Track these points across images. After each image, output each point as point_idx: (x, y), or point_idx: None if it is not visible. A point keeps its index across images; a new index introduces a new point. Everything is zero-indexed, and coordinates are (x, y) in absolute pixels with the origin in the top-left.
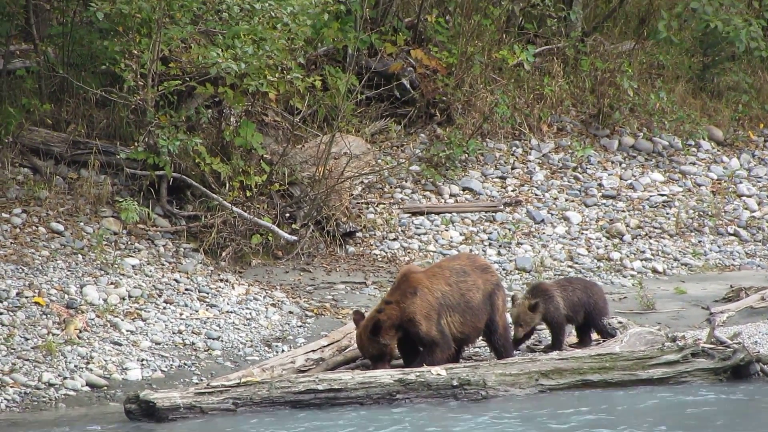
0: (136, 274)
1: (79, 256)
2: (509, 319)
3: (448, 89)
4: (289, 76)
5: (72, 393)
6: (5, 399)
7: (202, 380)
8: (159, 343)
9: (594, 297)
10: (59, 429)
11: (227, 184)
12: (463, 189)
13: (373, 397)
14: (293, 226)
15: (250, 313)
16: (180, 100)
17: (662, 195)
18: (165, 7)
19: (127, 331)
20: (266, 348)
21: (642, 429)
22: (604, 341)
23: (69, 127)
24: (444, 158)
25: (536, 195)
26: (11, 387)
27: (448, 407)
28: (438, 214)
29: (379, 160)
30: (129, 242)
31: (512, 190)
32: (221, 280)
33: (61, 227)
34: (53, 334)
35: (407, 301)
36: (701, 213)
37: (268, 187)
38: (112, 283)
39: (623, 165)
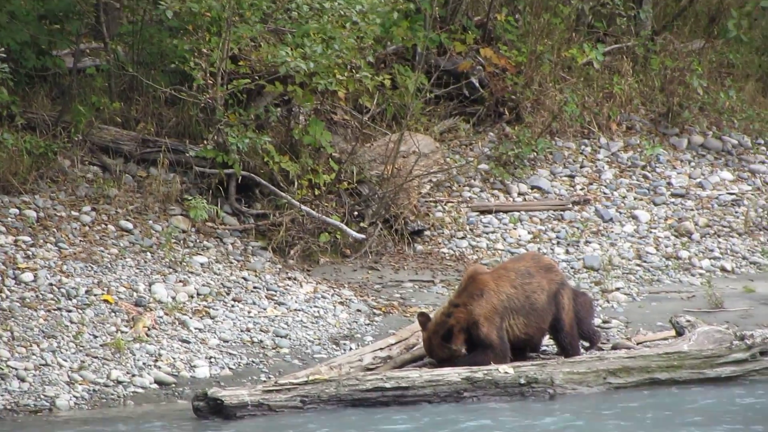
0: (204, 272)
1: (148, 254)
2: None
3: (517, 88)
4: (358, 75)
5: (140, 390)
6: (74, 396)
7: (269, 378)
8: (227, 341)
9: (577, 306)
10: (128, 426)
11: (296, 183)
12: (532, 187)
13: (441, 395)
14: (361, 224)
15: (318, 311)
16: (249, 99)
17: (731, 193)
18: (234, 5)
19: (195, 328)
20: (334, 346)
21: (710, 428)
22: (590, 347)
23: (138, 126)
24: (512, 157)
25: (605, 193)
26: (80, 384)
27: (516, 406)
28: (506, 212)
29: (448, 159)
30: (197, 240)
31: (581, 189)
32: (289, 278)
33: (130, 225)
34: (122, 332)
35: (474, 303)
36: None
37: (337, 186)
38: (180, 281)
39: (692, 163)
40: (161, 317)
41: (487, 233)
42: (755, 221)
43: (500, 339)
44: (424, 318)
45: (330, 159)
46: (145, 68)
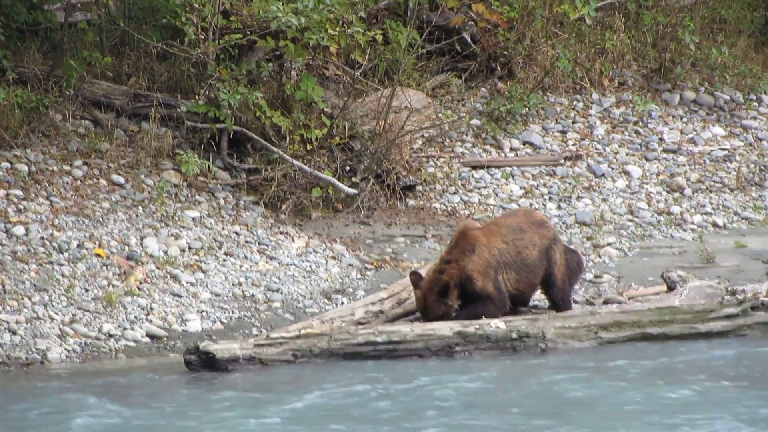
0: (196, 227)
1: (140, 208)
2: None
3: (509, 43)
4: (349, 30)
5: (132, 344)
6: (66, 349)
7: (261, 332)
8: (219, 295)
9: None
10: (119, 379)
11: (287, 138)
12: (524, 143)
13: (432, 349)
14: (353, 179)
15: (310, 266)
16: (241, 54)
17: (723, 149)
18: None
19: (187, 282)
20: (326, 300)
21: (702, 382)
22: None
23: (130, 80)
24: (504, 112)
25: (597, 149)
26: (72, 337)
27: (508, 360)
28: (498, 168)
29: (440, 114)
30: (189, 195)
31: (573, 145)
32: (281, 233)
33: (121, 180)
34: (113, 286)
35: (465, 258)
36: (762, 167)
37: (329, 141)
38: (172, 235)
39: (684, 119)
40: (153, 271)
41: (479, 188)
42: (747, 177)
43: (497, 290)
44: (416, 277)
45: (322, 114)
46: (137, 23)
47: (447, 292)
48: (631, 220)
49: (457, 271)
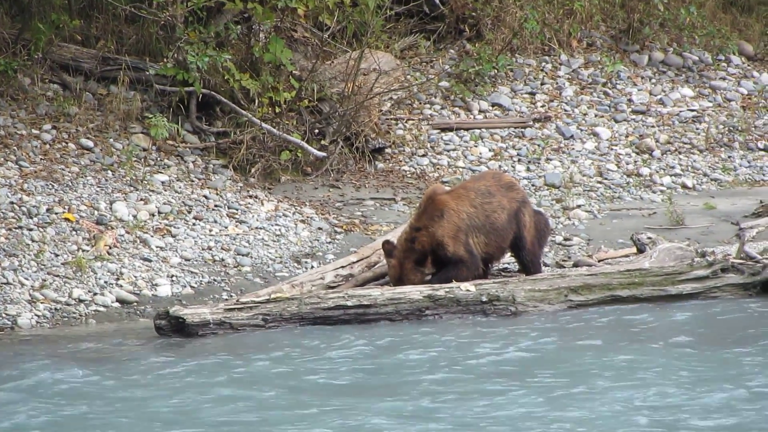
0: (165, 191)
1: (109, 172)
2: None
3: (478, 5)
4: None
5: (102, 309)
6: (36, 315)
7: (231, 296)
8: (188, 260)
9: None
10: (89, 344)
11: (256, 101)
12: (493, 105)
13: (402, 313)
14: (322, 142)
15: (280, 230)
16: (209, 16)
17: (692, 110)
18: None
19: (157, 247)
20: (295, 264)
21: (671, 343)
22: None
23: (98, 43)
24: (473, 74)
25: (565, 111)
26: (42, 303)
27: (478, 323)
28: (467, 130)
29: (408, 76)
30: (158, 158)
31: (541, 106)
32: (250, 197)
33: (90, 143)
34: (83, 250)
35: (435, 224)
36: (731, 128)
37: (297, 104)
38: (141, 200)
39: (653, 80)
40: (122, 236)
41: (448, 151)
42: (716, 138)
43: (469, 252)
44: (389, 246)
45: (290, 77)
46: None
47: (424, 262)
48: (600, 182)
49: (428, 238)
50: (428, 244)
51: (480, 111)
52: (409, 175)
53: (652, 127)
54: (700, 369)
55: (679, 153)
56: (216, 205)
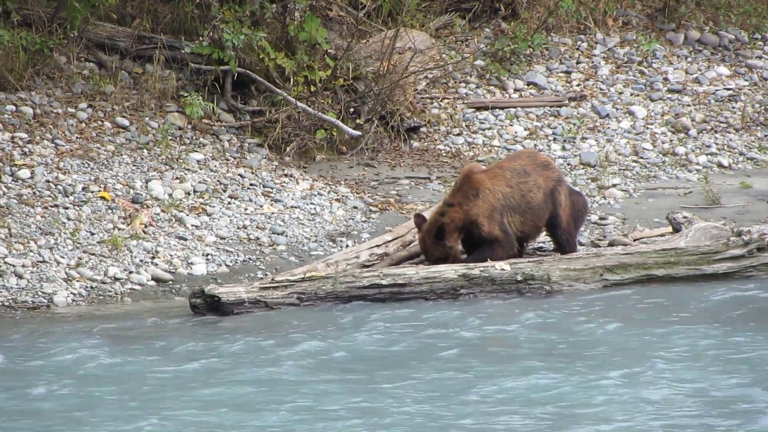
0: (200, 169)
1: (144, 151)
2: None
3: None
4: None
5: (137, 287)
6: (71, 293)
7: (266, 275)
8: (224, 238)
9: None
10: (125, 323)
11: (291, 79)
12: (528, 84)
13: (437, 291)
14: (357, 121)
15: (315, 209)
16: None
17: (728, 89)
18: None
19: (192, 225)
20: (330, 243)
21: (707, 323)
22: None
23: (134, 22)
24: (508, 53)
25: (601, 89)
26: (77, 281)
27: (513, 303)
28: (502, 109)
29: (444, 55)
30: (193, 137)
31: (577, 85)
32: (285, 176)
33: (126, 122)
34: (119, 229)
35: (470, 203)
36: (767, 107)
37: (333, 82)
38: (177, 178)
39: (689, 59)
40: (158, 214)
41: (483, 130)
42: (752, 117)
43: (504, 232)
44: (420, 219)
45: (326, 55)
46: None
47: (443, 234)
48: (635, 161)
49: (461, 215)
50: (459, 220)
51: (515, 90)
52: (444, 154)
53: (688, 105)
54: (735, 349)
55: (715, 132)
56: (251, 184)
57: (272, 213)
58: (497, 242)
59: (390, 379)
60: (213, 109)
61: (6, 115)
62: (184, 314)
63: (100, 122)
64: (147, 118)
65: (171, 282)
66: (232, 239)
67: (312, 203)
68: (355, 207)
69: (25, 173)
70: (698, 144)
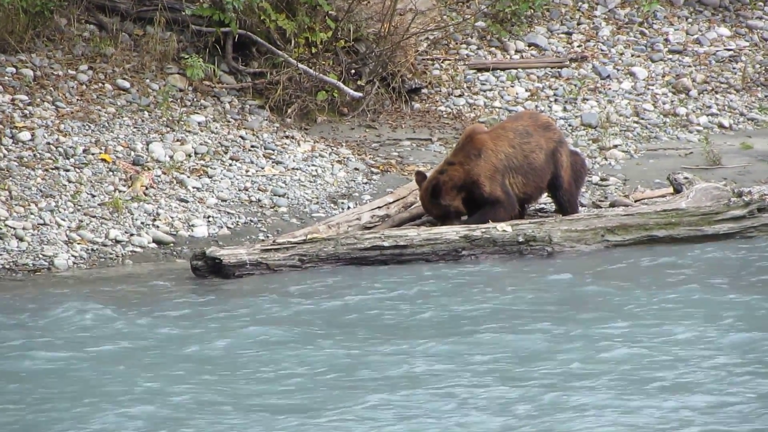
0: (201, 131)
1: (145, 113)
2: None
3: None
4: None
5: (139, 249)
6: (72, 255)
7: (268, 237)
8: (225, 200)
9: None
10: (126, 285)
11: (292, 41)
12: (529, 45)
13: (439, 253)
14: (358, 82)
15: (316, 170)
16: None
17: (729, 50)
18: None
19: (194, 188)
20: (332, 205)
21: (707, 283)
22: None
23: None
24: (509, 14)
25: (602, 50)
26: (78, 243)
27: (514, 264)
28: (503, 70)
29: (445, 16)
30: (194, 99)
31: (578, 46)
32: (287, 137)
33: (127, 84)
34: (120, 191)
35: (471, 162)
36: (767, 67)
37: (334, 44)
38: (178, 140)
39: (689, 20)
40: (159, 176)
41: (484, 91)
42: (753, 77)
43: (505, 193)
44: (420, 177)
45: (327, 17)
46: None
47: (438, 192)
48: (637, 122)
49: (460, 173)
50: (459, 179)
51: (516, 51)
52: (446, 116)
53: (689, 66)
54: (735, 309)
55: (716, 93)
56: (252, 146)
57: (273, 175)
58: (498, 203)
59: (390, 341)
60: (214, 71)
61: (6, 77)
62: (185, 277)
63: (100, 84)
64: (148, 80)
65: (172, 244)
66: (233, 201)
67: (313, 165)
68: (356, 169)
69: (25, 135)
70: (699, 105)
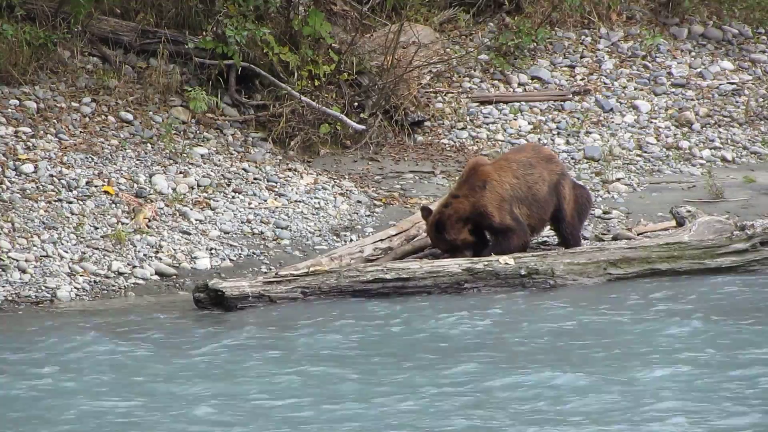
0: (204, 164)
1: (148, 145)
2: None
3: None
4: None
5: (141, 282)
6: (75, 287)
7: (270, 269)
8: (227, 233)
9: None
10: (128, 317)
11: (296, 74)
12: (532, 78)
13: (441, 286)
14: (361, 115)
15: (319, 203)
16: None
17: (732, 83)
18: None
19: (196, 220)
20: (335, 237)
21: (711, 317)
22: None
23: (138, 16)
24: (513, 47)
25: (605, 84)
26: (81, 275)
27: (517, 297)
28: (506, 103)
29: (448, 49)
30: (198, 131)
31: (581, 79)
32: (290, 170)
33: (130, 116)
34: (122, 223)
35: (476, 194)
36: None
37: (337, 77)
38: (180, 173)
39: (693, 53)
40: (162, 209)
41: (487, 124)
42: (756, 111)
43: (515, 220)
44: (426, 212)
45: (330, 50)
46: None
47: (442, 227)
48: (639, 155)
49: (467, 206)
50: (465, 212)
51: (519, 84)
52: (449, 149)
53: (692, 100)
54: (739, 343)
55: (719, 126)
56: (255, 178)
57: (276, 207)
58: (510, 230)
59: (394, 373)
60: (217, 103)
61: (9, 110)
62: (187, 309)
63: (103, 116)
64: (151, 113)
65: (175, 276)
66: (235, 233)
67: (316, 197)
68: (359, 201)
69: (28, 168)
70: (702, 138)
